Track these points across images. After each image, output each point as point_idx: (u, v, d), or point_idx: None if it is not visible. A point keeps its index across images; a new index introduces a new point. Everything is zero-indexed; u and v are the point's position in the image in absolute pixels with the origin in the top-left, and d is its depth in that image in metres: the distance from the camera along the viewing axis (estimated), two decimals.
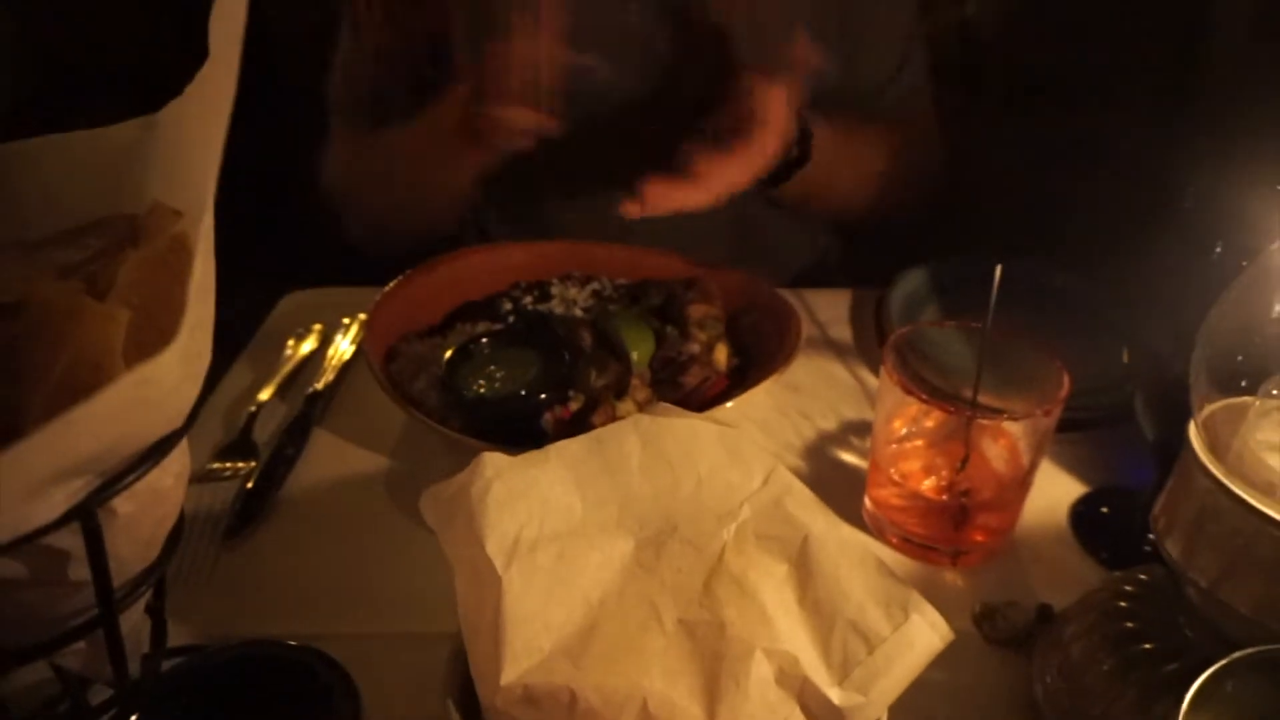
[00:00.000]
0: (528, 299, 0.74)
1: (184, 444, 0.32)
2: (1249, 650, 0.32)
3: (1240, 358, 0.37)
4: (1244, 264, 0.41)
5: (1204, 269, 0.46)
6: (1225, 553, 0.37)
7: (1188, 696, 0.31)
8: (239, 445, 0.66)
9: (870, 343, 0.78)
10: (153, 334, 0.29)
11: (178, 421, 0.30)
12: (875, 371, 0.71)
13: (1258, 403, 0.37)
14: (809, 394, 0.72)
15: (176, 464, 0.32)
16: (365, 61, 0.90)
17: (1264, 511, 0.35)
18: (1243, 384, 0.37)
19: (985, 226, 0.99)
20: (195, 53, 0.31)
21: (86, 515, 0.27)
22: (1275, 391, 0.37)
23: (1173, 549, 0.39)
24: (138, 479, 0.28)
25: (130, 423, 0.27)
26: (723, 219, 0.89)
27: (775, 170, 0.77)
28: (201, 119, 0.32)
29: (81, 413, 0.24)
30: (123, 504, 0.29)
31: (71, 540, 0.28)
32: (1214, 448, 0.37)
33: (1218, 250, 0.46)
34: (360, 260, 0.88)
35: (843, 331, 0.80)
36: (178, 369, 0.26)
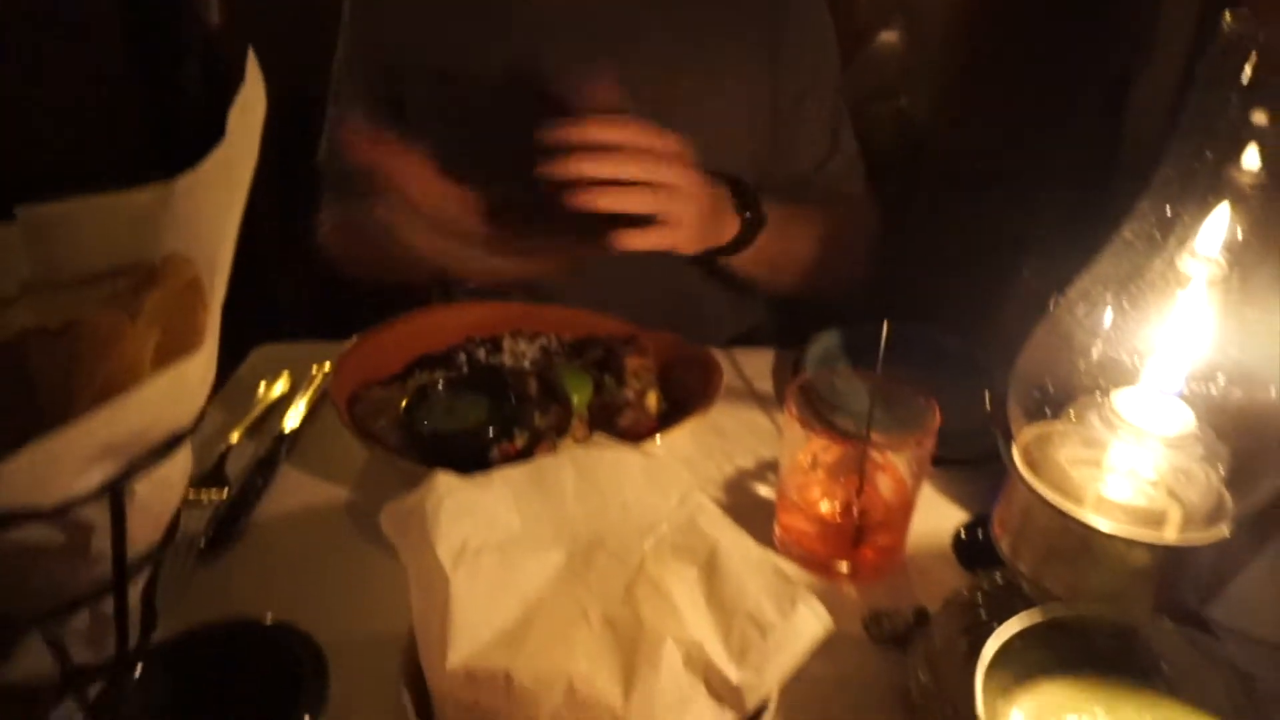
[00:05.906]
0: (481, 352, 0.82)
1: (188, 445, 0.39)
2: (1033, 613, 0.41)
3: (1041, 392, 0.46)
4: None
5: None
6: (1040, 547, 0.45)
7: (988, 655, 0.39)
8: (212, 476, 0.73)
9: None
10: (173, 353, 0.36)
11: (188, 422, 0.37)
12: None
13: (1059, 427, 0.46)
14: (732, 438, 0.80)
15: (183, 460, 0.39)
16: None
17: (1066, 511, 0.44)
18: (1048, 413, 0.47)
19: (904, 295, 1.09)
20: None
21: (115, 490, 0.34)
22: (1072, 419, 0.46)
23: (1005, 548, 0.47)
24: (156, 465, 0.35)
25: (158, 414, 0.34)
26: (662, 290, 0.98)
27: (738, 236, 0.85)
28: (216, 189, 0.40)
29: (124, 400, 0.31)
30: (142, 487, 0.36)
31: (99, 515, 0.35)
32: (1030, 464, 0.46)
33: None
34: (327, 316, 0.94)
35: (765, 385, 0.89)
36: (201, 370, 0.34)
